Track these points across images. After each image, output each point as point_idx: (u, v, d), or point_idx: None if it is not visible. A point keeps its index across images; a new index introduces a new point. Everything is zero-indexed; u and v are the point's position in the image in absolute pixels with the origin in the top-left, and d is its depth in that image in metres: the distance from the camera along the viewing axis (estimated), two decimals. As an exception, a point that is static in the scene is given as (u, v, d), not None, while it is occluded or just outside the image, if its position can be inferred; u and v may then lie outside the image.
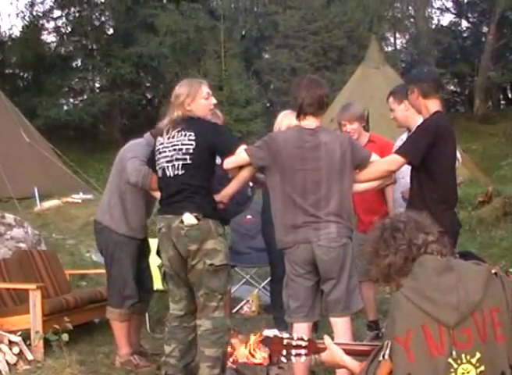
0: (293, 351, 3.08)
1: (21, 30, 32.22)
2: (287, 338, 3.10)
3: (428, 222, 2.92)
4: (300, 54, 27.82)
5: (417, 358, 2.59)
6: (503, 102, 36.82)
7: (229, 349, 5.62)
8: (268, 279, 7.65)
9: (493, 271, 2.74)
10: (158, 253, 5.31)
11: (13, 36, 32.56)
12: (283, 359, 3.11)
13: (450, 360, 2.59)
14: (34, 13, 32.50)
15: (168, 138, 5.12)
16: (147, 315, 6.98)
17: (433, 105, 4.91)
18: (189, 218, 4.94)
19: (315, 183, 4.79)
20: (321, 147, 4.81)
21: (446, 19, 61.33)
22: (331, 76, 26.80)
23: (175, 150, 5.07)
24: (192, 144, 5.03)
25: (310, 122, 4.91)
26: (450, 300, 2.61)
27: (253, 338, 5.40)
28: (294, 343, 3.09)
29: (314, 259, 4.79)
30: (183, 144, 5.05)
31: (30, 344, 6.14)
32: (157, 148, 5.21)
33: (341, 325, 4.89)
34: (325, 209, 4.78)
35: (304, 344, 3.09)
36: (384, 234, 2.89)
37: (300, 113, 4.94)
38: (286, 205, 4.84)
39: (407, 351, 2.60)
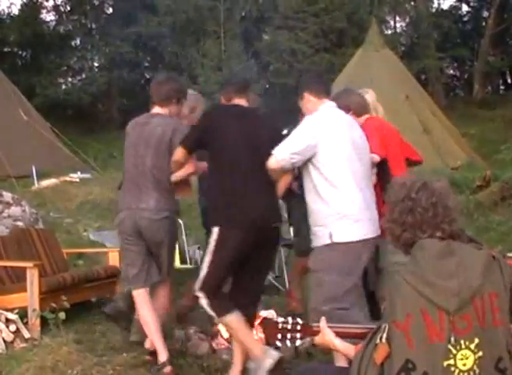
0: (288, 335, 3.09)
1: (20, 8, 32.12)
2: (282, 322, 3.10)
3: (454, 213, 2.86)
4: (300, 35, 27.70)
5: (417, 344, 2.58)
6: (502, 87, 36.75)
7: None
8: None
9: (492, 254, 2.74)
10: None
11: (12, 14, 32.45)
12: (278, 343, 3.12)
13: (449, 346, 2.59)
14: (33, -9, 32.38)
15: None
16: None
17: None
18: None
19: (141, 155, 5.35)
20: (148, 125, 5.41)
21: (447, 2, 61.35)
22: (331, 58, 26.77)
23: None
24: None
25: (155, 110, 5.56)
26: (451, 286, 2.61)
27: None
28: (289, 327, 3.10)
29: (139, 228, 5.29)
30: None
31: (26, 322, 6.14)
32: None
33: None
34: (146, 179, 5.31)
35: (299, 327, 3.10)
36: (403, 202, 2.86)
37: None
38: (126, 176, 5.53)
39: (407, 336, 2.59)
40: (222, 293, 4.87)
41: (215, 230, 4.73)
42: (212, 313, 4.81)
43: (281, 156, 4.63)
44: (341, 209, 4.56)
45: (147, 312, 5.23)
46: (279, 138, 4.76)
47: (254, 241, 4.72)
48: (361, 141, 4.85)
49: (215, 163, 4.92)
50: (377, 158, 5.10)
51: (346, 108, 5.26)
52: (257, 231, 4.71)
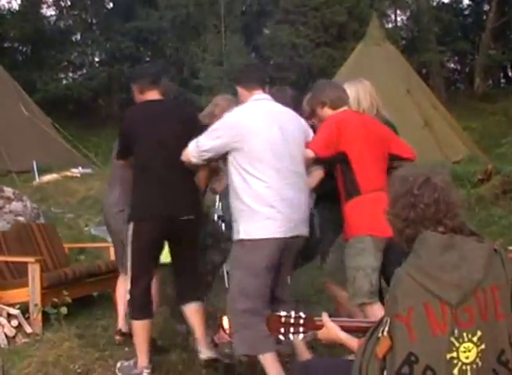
0: (291, 329, 3.09)
1: (20, 3, 32.10)
2: (285, 316, 3.10)
3: (456, 208, 2.82)
4: (301, 29, 27.61)
5: (419, 337, 2.57)
6: (503, 81, 36.68)
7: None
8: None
9: (494, 247, 2.73)
10: None
11: (12, 9, 32.48)
12: (281, 337, 3.12)
13: (452, 339, 2.57)
14: (34, -14, 32.35)
15: None
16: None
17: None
18: None
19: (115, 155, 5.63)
20: None
21: (448, -4, 61.00)
22: (331, 52, 26.71)
23: None
24: None
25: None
26: (453, 278, 2.59)
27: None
28: (292, 321, 3.10)
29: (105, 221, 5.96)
30: None
31: (28, 318, 6.15)
32: None
33: None
34: (115, 176, 5.76)
35: (301, 321, 3.10)
36: (406, 197, 2.82)
37: None
38: None
39: (409, 329, 2.58)
40: (146, 294, 5.07)
41: (130, 226, 5.00)
42: (129, 310, 5.16)
43: (191, 153, 4.72)
44: (252, 206, 4.51)
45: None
46: (193, 129, 4.89)
47: (166, 232, 5.04)
48: (284, 138, 4.63)
49: (133, 166, 5.13)
50: (310, 153, 4.81)
51: (321, 104, 5.13)
52: (167, 223, 4.97)
